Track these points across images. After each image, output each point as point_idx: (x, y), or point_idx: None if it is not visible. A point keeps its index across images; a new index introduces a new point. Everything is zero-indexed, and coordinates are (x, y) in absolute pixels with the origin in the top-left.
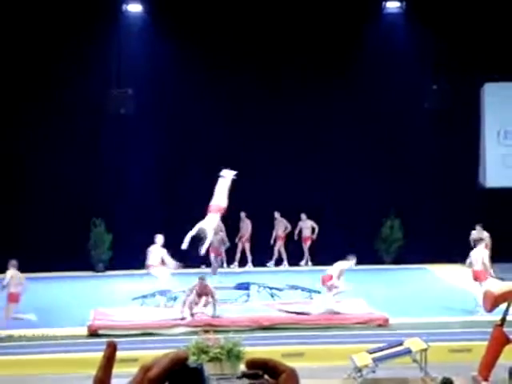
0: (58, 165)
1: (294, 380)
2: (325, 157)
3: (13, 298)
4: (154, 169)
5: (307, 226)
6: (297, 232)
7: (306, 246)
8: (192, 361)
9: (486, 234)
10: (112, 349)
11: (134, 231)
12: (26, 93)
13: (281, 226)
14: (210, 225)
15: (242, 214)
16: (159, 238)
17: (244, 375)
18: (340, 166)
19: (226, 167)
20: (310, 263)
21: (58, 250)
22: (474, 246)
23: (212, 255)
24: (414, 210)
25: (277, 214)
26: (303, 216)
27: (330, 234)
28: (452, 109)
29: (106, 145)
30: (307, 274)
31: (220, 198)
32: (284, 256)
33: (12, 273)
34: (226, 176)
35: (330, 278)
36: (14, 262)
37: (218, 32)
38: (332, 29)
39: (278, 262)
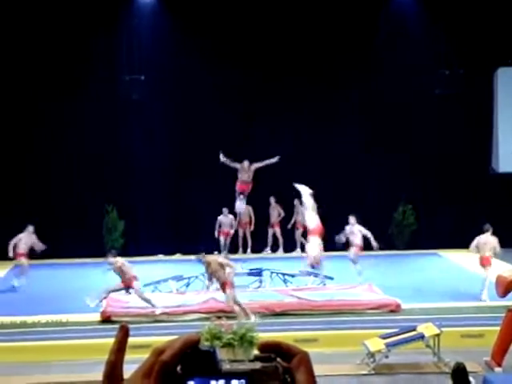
0: (71, 151)
1: (307, 363)
2: (336, 143)
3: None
4: (167, 154)
5: (276, 210)
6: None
7: (276, 231)
8: (204, 344)
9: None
10: (124, 332)
11: (147, 217)
12: (40, 79)
13: (275, 212)
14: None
15: (272, 200)
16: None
17: (257, 358)
18: (351, 152)
19: (238, 153)
20: (281, 249)
21: (71, 236)
22: None
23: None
24: (426, 196)
25: (272, 200)
26: (272, 200)
27: (342, 221)
28: (464, 94)
29: (118, 131)
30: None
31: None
32: (280, 242)
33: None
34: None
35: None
36: (113, 253)
37: (229, 19)
38: (343, 14)
39: (274, 249)
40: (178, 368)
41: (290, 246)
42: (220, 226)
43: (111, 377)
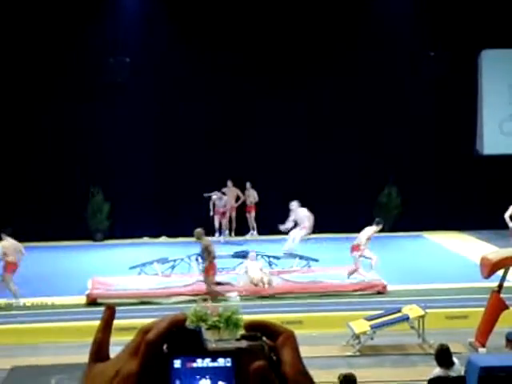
0: (55, 133)
1: (293, 341)
2: (321, 125)
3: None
4: (151, 137)
5: (252, 195)
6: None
7: (251, 216)
8: (190, 324)
9: None
10: (111, 312)
11: (132, 200)
12: (25, 61)
13: (250, 197)
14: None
15: (248, 184)
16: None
17: (243, 337)
18: (337, 135)
19: (222, 135)
20: (255, 233)
21: (57, 219)
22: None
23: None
24: (411, 178)
25: (248, 185)
26: (248, 184)
27: (328, 203)
28: (449, 76)
29: (102, 113)
30: (306, 242)
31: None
32: (254, 225)
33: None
34: None
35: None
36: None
37: (220, 4)
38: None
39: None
40: (164, 347)
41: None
42: (214, 207)
43: (97, 355)
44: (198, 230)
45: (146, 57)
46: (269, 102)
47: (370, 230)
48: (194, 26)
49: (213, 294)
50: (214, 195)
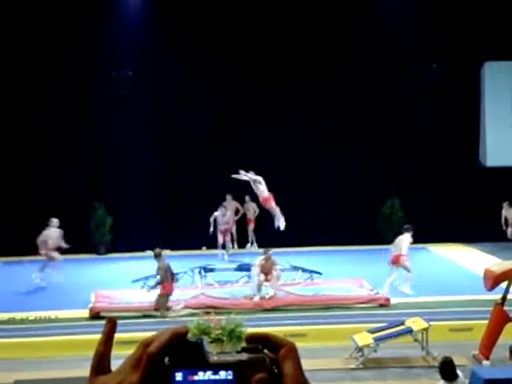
0: (58, 147)
1: (294, 354)
2: (325, 137)
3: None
4: (154, 151)
5: (251, 208)
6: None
7: (250, 228)
8: (191, 337)
9: None
10: (112, 324)
11: (135, 213)
12: (28, 76)
13: (250, 210)
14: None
15: (247, 198)
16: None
17: (244, 349)
18: (340, 146)
19: (224, 149)
20: (255, 245)
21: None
22: (506, 223)
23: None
24: (414, 190)
25: (247, 198)
26: (247, 198)
27: (331, 215)
28: (452, 88)
29: (105, 127)
30: (309, 255)
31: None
32: (253, 238)
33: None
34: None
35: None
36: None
37: (217, 15)
38: (329, 9)
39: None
40: (166, 359)
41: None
42: (215, 223)
43: (99, 367)
44: (157, 250)
45: (148, 70)
46: (271, 118)
47: (407, 238)
48: (194, 38)
49: (160, 306)
50: (218, 211)
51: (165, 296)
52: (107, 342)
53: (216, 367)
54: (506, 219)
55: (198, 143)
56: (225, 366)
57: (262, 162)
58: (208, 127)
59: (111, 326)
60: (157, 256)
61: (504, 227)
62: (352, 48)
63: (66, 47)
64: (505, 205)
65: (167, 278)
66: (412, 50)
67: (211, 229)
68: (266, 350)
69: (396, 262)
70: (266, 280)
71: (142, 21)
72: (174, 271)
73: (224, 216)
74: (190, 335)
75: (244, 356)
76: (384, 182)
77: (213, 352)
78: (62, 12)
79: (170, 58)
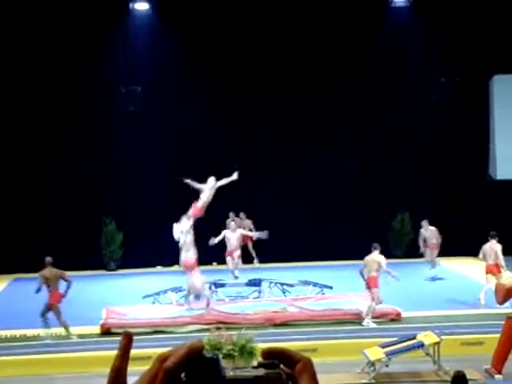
0: (68, 163)
1: (310, 369)
2: (334, 152)
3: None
4: (164, 166)
5: (247, 225)
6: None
7: (249, 245)
8: (207, 352)
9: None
10: (128, 339)
11: (145, 229)
12: (35, 92)
13: (245, 227)
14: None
15: (241, 214)
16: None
17: (260, 365)
18: (350, 161)
19: (234, 164)
20: (257, 260)
21: (70, 249)
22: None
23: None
24: (424, 204)
25: (242, 215)
26: (241, 215)
27: (340, 230)
28: (461, 101)
29: (114, 142)
30: (319, 269)
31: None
32: (254, 254)
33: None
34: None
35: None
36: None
37: (224, 29)
38: (339, 22)
39: (250, 260)
40: (182, 375)
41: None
42: (225, 244)
43: (115, 382)
44: (48, 259)
45: (158, 86)
46: (282, 132)
47: (498, 247)
48: (205, 54)
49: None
50: (228, 230)
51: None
52: (123, 356)
53: (233, 383)
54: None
55: (208, 158)
56: (241, 382)
57: (269, 178)
58: (217, 143)
59: (127, 341)
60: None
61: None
62: (361, 61)
63: (76, 64)
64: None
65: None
66: (421, 63)
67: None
68: (282, 366)
69: (494, 272)
70: None
71: (152, 40)
72: (185, 287)
73: (234, 232)
74: (204, 345)
75: (260, 371)
76: (394, 196)
77: (229, 367)
78: (72, 28)
79: (180, 74)
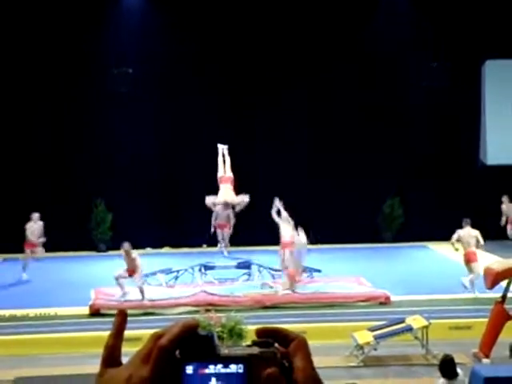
0: (58, 144)
1: (305, 347)
2: (325, 135)
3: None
4: (154, 147)
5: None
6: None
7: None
8: (202, 329)
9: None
10: (122, 317)
11: (135, 210)
12: (29, 73)
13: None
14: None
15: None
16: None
17: (254, 343)
18: (341, 145)
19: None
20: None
21: (60, 230)
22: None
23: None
24: (414, 188)
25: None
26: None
27: (330, 214)
28: (452, 86)
29: (105, 123)
30: (308, 252)
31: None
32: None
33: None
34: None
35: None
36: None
37: (218, 13)
38: (332, 10)
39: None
40: (177, 353)
41: None
42: (216, 219)
43: (109, 360)
44: None
45: (150, 67)
46: (272, 117)
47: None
48: (197, 36)
49: None
50: (218, 206)
51: None
52: (118, 334)
53: (227, 360)
54: (507, 217)
55: (199, 140)
56: (236, 360)
57: (261, 161)
58: (208, 126)
59: (121, 319)
60: None
61: (503, 223)
62: (351, 48)
63: (67, 45)
64: (504, 199)
65: None
66: (413, 48)
67: (212, 228)
68: (276, 344)
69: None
70: None
71: (144, 21)
72: (175, 268)
73: (224, 210)
74: (199, 323)
75: (255, 350)
76: (385, 180)
77: (223, 345)
78: (63, 11)
79: (171, 55)
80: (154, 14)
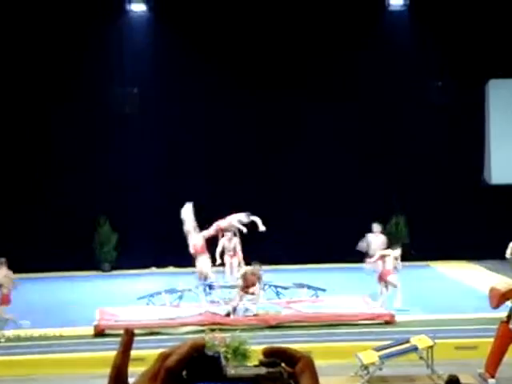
0: (63, 163)
1: (311, 367)
2: (329, 154)
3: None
4: (159, 167)
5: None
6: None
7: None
8: (209, 349)
9: None
10: (129, 335)
11: (140, 230)
12: (33, 92)
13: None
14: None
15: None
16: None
17: (261, 363)
18: (345, 164)
19: (231, 165)
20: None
21: (64, 249)
22: None
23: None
24: (419, 208)
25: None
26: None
27: (335, 232)
28: (457, 105)
29: (110, 144)
30: (312, 272)
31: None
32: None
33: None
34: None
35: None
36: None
37: (222, 30)
38: (336, 25)
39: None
40: (184, 373)
41: None
42: (223, 252)
43: (117, 380)
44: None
45: (154, 87)
46: (279, 130)
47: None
48: (202, 55)
49: None
50: (225, 236)
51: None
52: (125, 353)
53: (234, 381)
54: None
55: (205, 161)
56: (243, 380)
57: (267, 180)
58: (214, 145)
59: (129, 338)
60: None
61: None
62: (356, 66)
63: (72, 65)
64: None
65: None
66: (417, 66)
67: (218, 260)
68: (283, 364)
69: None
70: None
71: (150, 40)
72: (180, 288)
73: (231, 241)
74: (206, 343)
75: (262, 370)
76: (389, 199)
77: (230, 365)
78: (69, 30)
79: (177, 75)
80: (159, 33)
